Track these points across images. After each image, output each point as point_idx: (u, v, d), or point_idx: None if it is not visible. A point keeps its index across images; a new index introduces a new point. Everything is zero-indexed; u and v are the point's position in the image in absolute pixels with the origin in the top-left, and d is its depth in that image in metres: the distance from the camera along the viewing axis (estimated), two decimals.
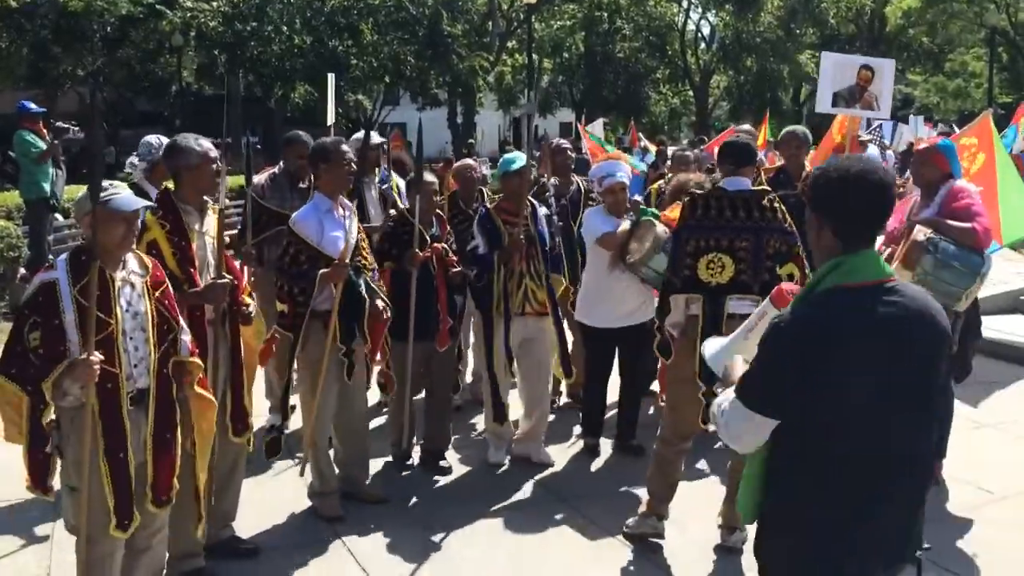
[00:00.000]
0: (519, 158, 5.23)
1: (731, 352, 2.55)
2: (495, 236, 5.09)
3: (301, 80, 31.52)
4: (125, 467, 3.19)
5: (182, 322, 3.50)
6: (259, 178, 5.56)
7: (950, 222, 4.55)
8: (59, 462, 3.24)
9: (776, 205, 4.21)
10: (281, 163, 5.70)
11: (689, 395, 4.16)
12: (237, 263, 4.47)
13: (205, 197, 3.96)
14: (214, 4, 29.13)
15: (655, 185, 6.65)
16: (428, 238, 4.99)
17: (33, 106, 9.95)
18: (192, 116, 29.54)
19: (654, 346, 4.39)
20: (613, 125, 41.33)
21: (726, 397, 2.32)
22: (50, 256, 3.29)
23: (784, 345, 2.19)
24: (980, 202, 4.84)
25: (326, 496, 4.63)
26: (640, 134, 15.98)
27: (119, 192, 3.25)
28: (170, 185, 4.00)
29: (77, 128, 11.23)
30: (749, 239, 4.12)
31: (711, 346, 2.67)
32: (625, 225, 4.97)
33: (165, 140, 5.24)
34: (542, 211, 5.38)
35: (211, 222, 3.97)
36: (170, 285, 3.50)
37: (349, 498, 4.71)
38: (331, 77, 7.21)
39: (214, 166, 3.91)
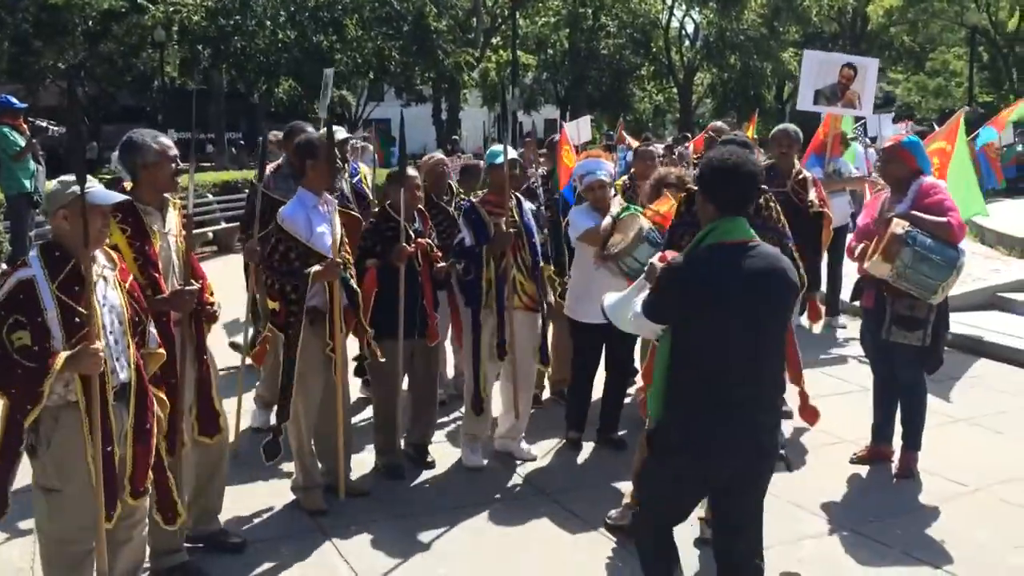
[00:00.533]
0: (501, 152, 5.21)
1: (626, 303, 3.43)
2: (481, 228, 5.11)
3: (285, 75, 31.45)
4: (112, 461, 3.20)
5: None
6: (268, 170, 5.63)
7: (926, 216, 4.65)
8: (32, 466, 3.19)
9: (772, 204, 4.18)
10: (284, 155, 5.74)
11: None
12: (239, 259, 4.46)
13: (166, 195, 3.88)
14: None
15: (619, 182, 6.57)
16: (411, 233, 5.00)
17: (15, 101, 9.89)
18: (175, 111, 29.37)
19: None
20: (598, 122, 41.42)
21: (635, 309, 3.25)
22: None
23: (675, 281, 3.04)
24: (951, 197, 4.95)
25: (309, 490, 4.65)
26: (624, 132, 16.03)
27: (94, 186, 3.23)
28: (127, 184, 3.82)
29: (56, 126, 11.16)
30: None
31: (609, 298, 3.57)
32: (607, 221, 5.05)
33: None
34: (527, 204, 5.44)
35: (173, 220, 3.89)
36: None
37: (330, 491, 4.73)
38: (328, 73, 7.19)
39: (173, 164, 3.81)
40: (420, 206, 5.23)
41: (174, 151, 3.83)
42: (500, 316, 5.10)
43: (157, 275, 3.72)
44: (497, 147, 5.35)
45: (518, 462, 5.36)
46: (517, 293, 5.18)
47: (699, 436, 3.00)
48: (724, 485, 3.10)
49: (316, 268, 4.34)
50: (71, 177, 3.19)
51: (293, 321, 4.40)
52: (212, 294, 4.11)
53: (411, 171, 5.21)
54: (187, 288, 3.76)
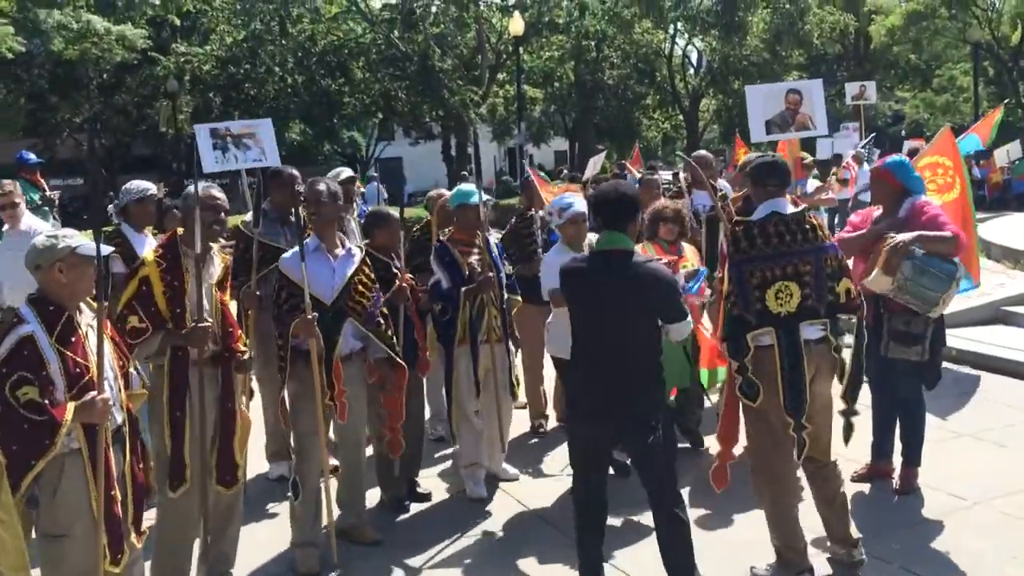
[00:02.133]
0: (475, 191, 5.36)
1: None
2: (455, 269, 5.23)
3: (295, 119, 31.91)
4: (115, 505, 3.30)
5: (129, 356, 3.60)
6: (249, 215, 5.70)
7: (930, 233, 4.64)
8: (36, 517, 3.24)
9: (817, 222, 4.05)
10: (268, 198, 5.77)
11: (772, 428, 4.01)
12: (233, 305, 4.52)
13: (212, 245, 4.08)
14: (207, 48, 29.56)
15: None
16: (396, 271, 5.08)
17: (31, 156, 10.18)
18: (188, 158, 29.82)
19: (736, 389, 4.03)
20: (608, 152, 41.63)
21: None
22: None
23: (561, 277, 4.04)
24: (944, 213, 5.01)
25: (304, 549, 4.53)
26: (625, 162, 16.18)
27: (77, 238, 3.35)
28: (180, 230, 4.10)
29: (61, 182, 11.53)
30: (811, 261, 3.93)
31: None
32: None
33: (143, 185, 5.50)
34: (492, 238, 5.61)
35: (216, 270, 4.09)
36: (148, 320, 3.71)
37: (345, 537, 4.68)
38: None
39: (220, 215, 4.09)
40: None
41: (223, 199, 4.11)
42: (475, 355, 5.21)
43: (181, 311, 3.89)
44: (466, 187, 5.48)
45: (500, 486, 5.49)
46: (492, 328, 5.29)
47: None
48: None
49: (296, 320, 4.31)
50: (62, 231, 3.36)
51: (283, 366, 4.47)
52: (245, 344, 4.25)
53: (393, 212, 5.33)
54: (201, 324, 3.88)
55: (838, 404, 4.19)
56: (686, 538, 3.85)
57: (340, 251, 4.60)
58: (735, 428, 4.22)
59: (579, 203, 5.26)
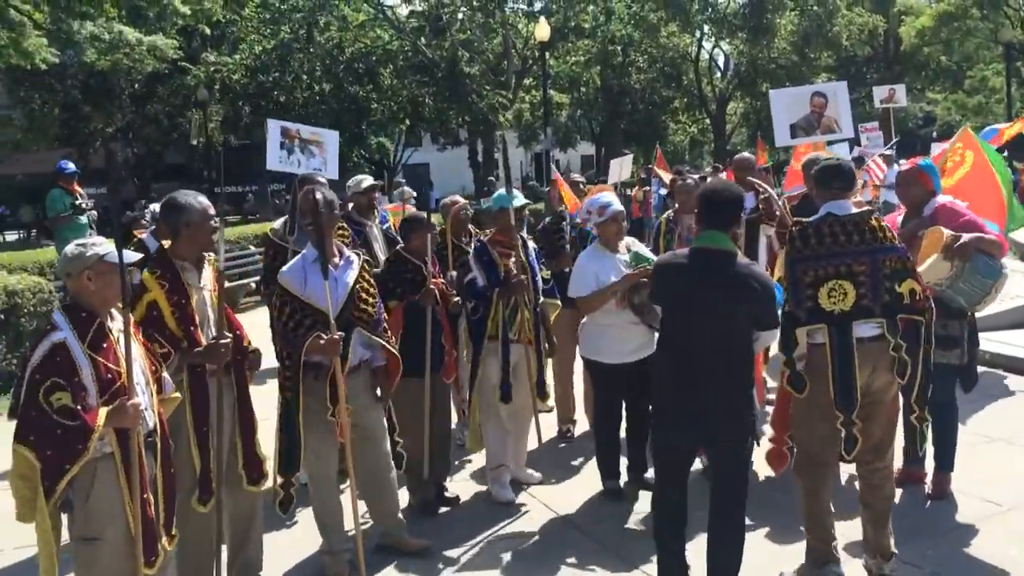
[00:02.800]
0: (515, 196, 5.51)
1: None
2: (492, 268, 5.33)
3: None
4: (148, 509, 3.34)
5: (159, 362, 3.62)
6: (278, 223, 5.74)
7: (988, 236, 4.70)
8: (69, 521, 3.28)
9: (883, 224, 4.11)
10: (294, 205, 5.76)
11: (821, 423, 4.05)
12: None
13: (204, 252, 4.07)
14: (236, 57, 29.90)
15: (664, 216, 6.79)
16: (426, 274, 5.11)
17: (69, 165, 10.40)
18: (219, 167, 30.22)
19: (785, 381, 4.15)
20: (635, 156, 41.51)
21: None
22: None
23: (657, 272, 4.14)
24: (971, 213, 5.00)
25: (333, 555, 4.52)
26: (652, 166, 16.14)
27: (110, 247, 3.38)
28: (166, 243, 4.06)
29: (95, 190, 11.68)
30: (866, 262, 3.99)
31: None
32: (613, 280, 5.03)
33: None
34: (531, 244, 5.71)
35: (208, 276, 4.08)
36: (168, 344, 3.73)
37: (390, 551, 4.68)
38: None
39: (212, 222, 4.02)
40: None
41: (212, 210, 4.05)
42: (505, 354, 5.26)
43: (194, 328, 3.91)
44: (505, 192, 5.55)
45: (527, 490, 5.51)
46: (524, 328, 5.36)
47: None
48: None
49: (313, 340, 4.20)
50: (91, 239, 3.42)
51: (289, 385, 4.34)
52: (250, 343, 4.26)
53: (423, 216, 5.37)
54: (221, 341, 3.92)
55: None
56: (739, 544, 3.87)
57: (339, 260, 4.46)
58: (787, 417, 4.30)
59: (616, 202, 5.32)
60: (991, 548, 4.40)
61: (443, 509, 5.36)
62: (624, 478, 5.45)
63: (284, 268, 4.49)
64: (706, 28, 35.79)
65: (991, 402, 6.58)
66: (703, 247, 3.89)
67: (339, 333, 4.22)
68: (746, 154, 8.53)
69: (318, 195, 4.43)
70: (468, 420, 5.62)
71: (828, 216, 4.08)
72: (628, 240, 5.39)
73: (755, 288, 3.78)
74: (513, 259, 5.35)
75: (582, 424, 6.63)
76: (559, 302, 5.83)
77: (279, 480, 4.43)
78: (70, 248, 3.42)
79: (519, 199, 5.63)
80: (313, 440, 4.39)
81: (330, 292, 4.25)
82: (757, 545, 4.56)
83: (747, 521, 3.98)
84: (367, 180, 6.47)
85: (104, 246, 3.40)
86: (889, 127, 16.34)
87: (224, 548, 4.16)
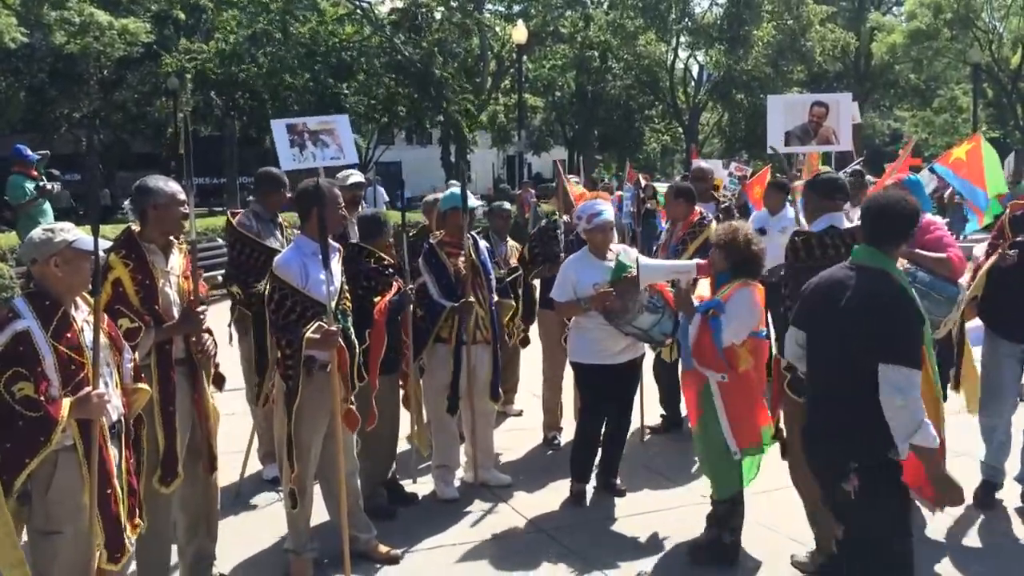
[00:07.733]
0: (466, 196, 5.39)
1: (657, 272, 4.95)
2: (441, 270, 5.31)
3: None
4: (112, 502, 3.24)
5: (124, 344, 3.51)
6: (240, 216, 5.62)
7: (926, 252, 4.70)
8: (28, 513, 3.19)
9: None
10: (253, 199, 5.67)
11: None
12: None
13: (171, 237, 3.99)
14: (210, 45, 29.50)
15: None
16: (392, 272, 5.03)
17: (28, 152, 10.10)
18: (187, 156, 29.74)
19: (785, 385, 4.22)
20: (607, 163, 41.60)
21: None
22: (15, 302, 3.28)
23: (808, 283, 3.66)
24: (950, 233, 5.01)
25: (298, 555, 4.44)
26: (622, 174, 16.17)
27: (74, 232, 3.30)
28: (135, 226, 3.99)
29: (61, 176, 11.33)
30: None
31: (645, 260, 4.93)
32: (595, 287, 5.01)
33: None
34: (483, 244, 5.64)
35: (178, 262, 4.00)
36: (137, 318, 3.65)
37: (363, 557, 4.56)
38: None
39: (182, 208, 3.95)
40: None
41: (183, 196, 3.97)
42: (457, 356, 5.27)
43: (158, 308, 3.83)
44: (455, 191, 5.49)
45: (495, 492, 5.45)
46: (479, 328, 5.36)
47: None
48: None
49: (311, 334, 4.15)
50: (58, 225, 3.30)
51: (292, 375, 4.23)
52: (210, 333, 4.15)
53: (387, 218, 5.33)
54: (195, 309, 3.86)
55: None
56: None
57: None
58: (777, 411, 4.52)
59: (609, 211, 5.29)
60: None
61: (402, 510, 5.24)
62: (593, 483, 5.43)
63: (279, 260, 4.34)
64: (683, 37, 36.05)
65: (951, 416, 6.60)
66: (860, 263, 3.40)
67: (337, 325, 4.19)
68: (704, 163, 8.69)
69: (323, 185, 4.42)
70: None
71: (830, 228, 4.26)
72: (619, 247, 5.37)
73: (884, 314, 3.27)
74: (463, 259, 5.29)
75: (568, 433, 6.41)
76: (513, 302, 5.82)
77: (292, 473, 4.27)
78: (37, 233, 3.32)
79: (472, 201, 5.49)
80: (304, 433, 4.28)
81: (327, 284, 4.21)
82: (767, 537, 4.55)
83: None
84: (354, 176, 6.35)
85: (73, 232, 3.29)
86: (856, 144, 16.52)
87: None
